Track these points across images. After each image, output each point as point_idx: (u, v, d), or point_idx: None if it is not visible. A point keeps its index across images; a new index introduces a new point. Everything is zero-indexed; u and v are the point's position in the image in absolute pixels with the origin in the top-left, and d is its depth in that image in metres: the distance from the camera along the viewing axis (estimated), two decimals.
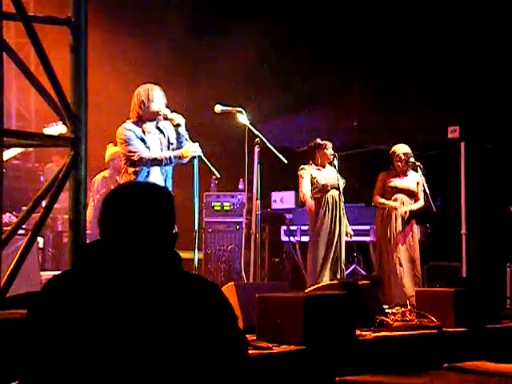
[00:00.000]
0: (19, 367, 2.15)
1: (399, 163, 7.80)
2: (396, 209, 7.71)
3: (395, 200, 7.77)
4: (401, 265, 7.61)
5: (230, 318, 2.22)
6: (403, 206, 7.76)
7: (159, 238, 2.20)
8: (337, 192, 7.68)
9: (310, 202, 7.57)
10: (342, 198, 7.68)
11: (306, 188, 7.67)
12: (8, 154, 6.48)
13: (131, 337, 2.05)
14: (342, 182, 7.71)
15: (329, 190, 7.71)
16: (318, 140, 7.80)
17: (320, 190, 7.72)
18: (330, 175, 7.75)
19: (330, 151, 7.74)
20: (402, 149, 7.86)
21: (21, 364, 2.14)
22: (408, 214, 7.76)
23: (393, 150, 7.91)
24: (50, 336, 2.07)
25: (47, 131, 5.35)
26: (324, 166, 7.81)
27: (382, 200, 7.83)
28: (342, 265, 7.65)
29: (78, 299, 2.09)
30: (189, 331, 2.10)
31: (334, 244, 7.60)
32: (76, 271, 2.20)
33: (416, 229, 7.88)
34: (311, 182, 7.72)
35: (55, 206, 4.99)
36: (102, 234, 2.22)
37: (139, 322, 2.06)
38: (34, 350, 2.09)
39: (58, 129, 5.14)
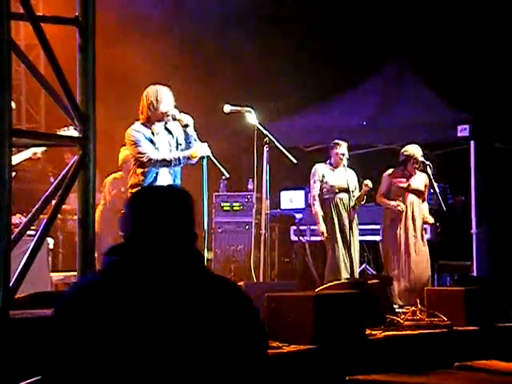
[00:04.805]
0: (43, 363, 2.21)
1: (416, 165, 7.72)
2: (400, 211, 7.66)
3: (403, 201, 7.72)
4: (410, 264, 7.59)
5: (253, 317, 2.30)
6: (411, 206, 7.71)
7: (184, 238, 2.30)
8: (346, 195, 7.68)
9: (316, 209, 7.65)
10: (353, 199, 7.68)
11: (316, 190, 7.73)
12: (20, 156, 6.48)
13: (159, 334, 2.12)
14: (352, 185, 7.72)
15: (337, 193, 7.73)
16: (335, 140, 7.85)
17: (328, 191, 7.75)
18: (340, 177, 7.76)
19: (341, 150, 7.75)
20: (419, 151, 7.77)
21: (45, 360, 2.20)
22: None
23: (409, 152, 7.74)
24: (77, 335, 2.13)
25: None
26: (337, 167, 7.82)
27: (386, 200, 7.78)
28: (355, 266, 7.67)
29: (108, 300, 2.15)
30: (214, 329, 2.17)
31: (347, 245, 7.61)
32: (105, 272, 2.25)
33: (425, 228, 7.85)
34: (321, 181, 7.76)
35: (65, 207, 4.99)
36: (129, 235, 2.28)
37: (168, 321, 2.13)
38: (62, 348, 2.16)
39: (69, 133, 5.13)
